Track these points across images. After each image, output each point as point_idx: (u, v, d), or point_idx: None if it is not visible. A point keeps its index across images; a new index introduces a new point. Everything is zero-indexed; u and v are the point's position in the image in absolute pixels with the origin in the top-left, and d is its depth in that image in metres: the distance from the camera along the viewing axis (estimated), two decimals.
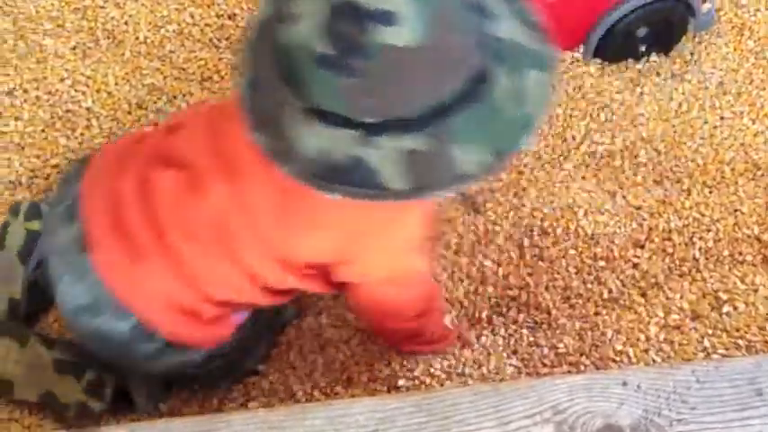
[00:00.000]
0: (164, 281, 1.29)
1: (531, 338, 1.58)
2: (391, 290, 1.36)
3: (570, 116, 1.82)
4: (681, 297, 1.57)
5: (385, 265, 1.31)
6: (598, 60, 1.89)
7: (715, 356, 1.47)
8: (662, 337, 1.51)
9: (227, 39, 1.94)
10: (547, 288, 1.65)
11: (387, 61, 0.99)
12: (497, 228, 1.71)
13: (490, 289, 1.64)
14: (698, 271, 1.64)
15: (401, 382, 1.48)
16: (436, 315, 1.50)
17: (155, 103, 1.85)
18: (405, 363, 1.51)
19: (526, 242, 1.69)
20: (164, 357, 1.36)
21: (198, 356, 1.39)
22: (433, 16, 1.00)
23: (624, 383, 1.12)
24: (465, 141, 1.05)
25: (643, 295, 1.60)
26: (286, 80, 1.05)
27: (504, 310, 1.63)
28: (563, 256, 1.68)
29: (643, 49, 1.90)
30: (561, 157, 1.80)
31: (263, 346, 1.57)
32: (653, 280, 1.63)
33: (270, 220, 1.24)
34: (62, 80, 1.86)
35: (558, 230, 1.70)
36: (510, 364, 1.56)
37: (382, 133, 1.04)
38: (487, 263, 1.67)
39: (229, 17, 1.96)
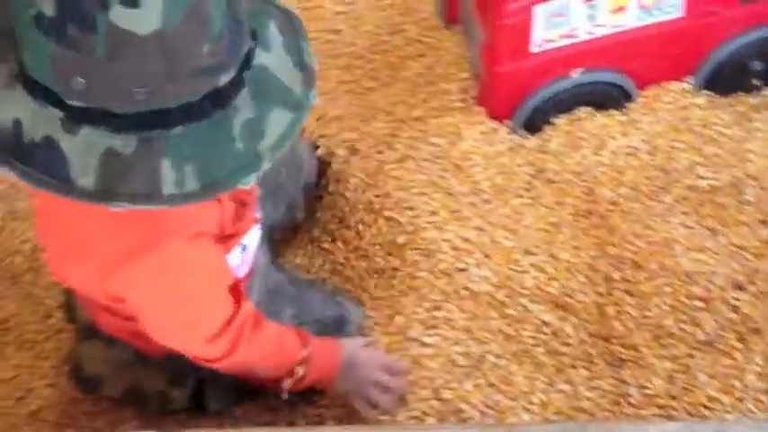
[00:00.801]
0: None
1: (616, 376, 1.52)
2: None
3: (673, 148, 1.74)
4: None
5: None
6: (708, 92, 1.81)
7: None
8: (760, 386, 1.43)
9: None
10: (637, 325, 1.57)
11: (110, 42, 0.89)
12: (582, 257, 1.65)
13: (574, 320, 1.58)
14: None
15: None
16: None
17: None
18: None
19: (616, 275, 1.62)
20: None
21: None
22: (181, 12, 0.90)
23: None
24: (179, 156, 0.95)
25: (741, 340, 1.51)
26: (8, 37, 0.96)
27: (589, 344, 1.57)
28: (656, 293, 1.59)
29: (757, 83, 1.82)
30: (661, 190, 1.72)
31: None
32: (753, 325, 1.53)
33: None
34: None
35: (653, 266, 1.62)
36: (591, 399, 1.50)
37: (87, 123, 0.94)
38: (574, 293, 1.61)
39: None
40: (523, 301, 1.58)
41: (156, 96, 0.93)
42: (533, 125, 1.76)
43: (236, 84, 0.98)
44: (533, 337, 1.56)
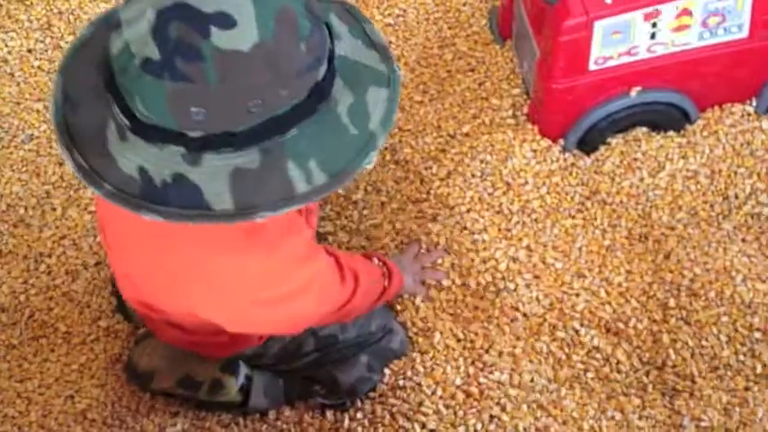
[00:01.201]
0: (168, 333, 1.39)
1: (670, 406, 1.46)
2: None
3: (735, 173, 1.68)
4: None
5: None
6: None
7: None
8: None
9: None
10: (692, 355, 1.51)
11: (219, 66, 0.93)
12: (636, 282, 1.59)
13: (627, 346, 1.52)
14: None
15: None
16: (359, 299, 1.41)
17: None
18: None
19: (672, 302, 1.56)
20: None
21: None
22: (272, 21, 0.95)
23: None
24: (300, 158, 1.00)
25: None
26: (111, 93, 0.99)
27: (642, 372, 1.51)
28: (714, 323, 1.53)
29: None
30: (720, 216, 1.65)
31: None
32: None
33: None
34: None
35: (711, 294, 1.56)
36: (642, 429, 1.45)
37: (208, 150, 0.97)
38: (627, 319, 1.55)
39: None
40: (575, 324, 1.53)
41: (269, 105, 0.97)
42: (587, 144, 1.70)
43: (331, 75, 1.02)
44: (584, 362, 1.51)
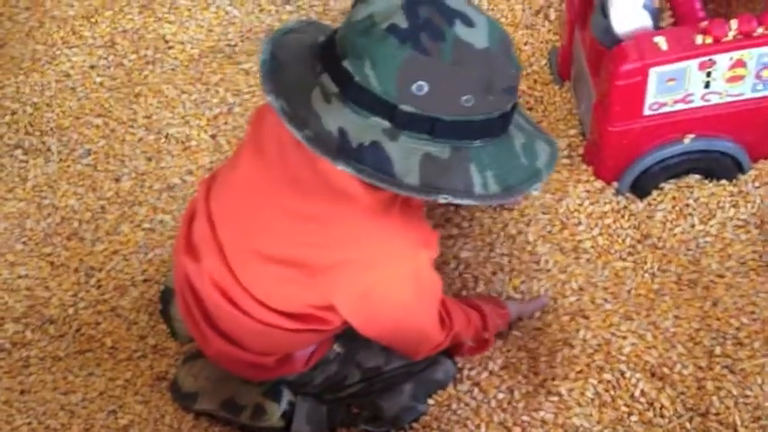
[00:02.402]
0: (217, 344, 1.43)
1: None
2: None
3: None
4: None
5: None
6: None
7: None
8: None
9: None
10: (736, 403, 1.51)
11: (455, 51, 1.10)
12: (684, 327, 1.59)
13: (671, 392, 1.52)
14: None
15: None
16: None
17: None
18: None
19: (718, 350, 1.56)
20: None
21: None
22: (499, 39, 1.14)
23: None
24: (481, 164, 1.15)
25: None
26: (324, 63, 1.15)
27: (685, 418, 1.50)
28: (758, 373, 1.52)
29: None
30: None
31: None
32: None
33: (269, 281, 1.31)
34: None
35: (756, 344, 1.55)
36: None
37: (409, 130, 1.12)
38: (673, 364, 1.54)
39: None
40: (621, 366, 1.53)
41: (476, 106, 1.13)
42: (640, 188, 1.71)
43: (513, 113, 1.19)
44: (628, 406, 1.51)
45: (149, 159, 1.86)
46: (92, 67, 2.00)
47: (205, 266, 1.37)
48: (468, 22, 1.11)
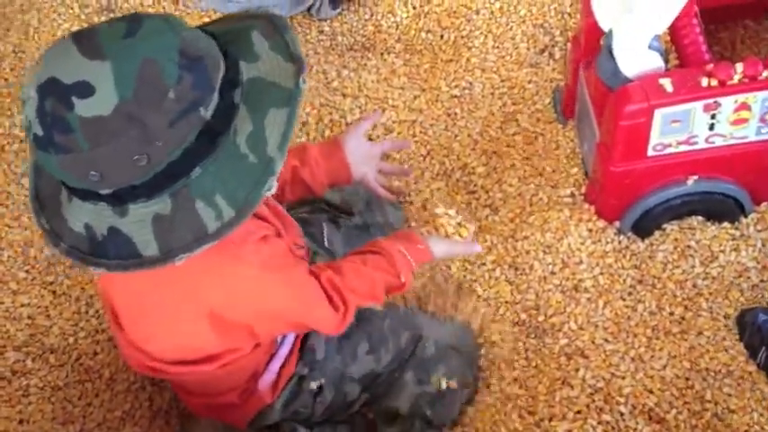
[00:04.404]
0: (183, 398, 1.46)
1: None
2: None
3: None
4: None
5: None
6: None
7: None
8: None
9: None
10: None
11: (91, 134, 0.99)
12: (676, 369, 1.59)
13: None
14: None
15: None
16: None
17: None
18: None
19: (708, 395, 1.56)
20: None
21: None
22: (133, 78, 0.99)
23: None
24: (207, 195, 1.04)
25: None
26: None
27: None
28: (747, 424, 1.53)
29: None
30: None
31: None
32: None
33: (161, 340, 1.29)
34: None
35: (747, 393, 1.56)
36: None
37: (127, 201, 1.03)
38: (671, 409, 1.54)
39: None
40: (621, 408, 1.53)
41: (154, 157, 1.01)
42: (642, 229, 1.71)
43: (227, 108, 1.05)
44: None
45: None
46: None
47: (124, 351, 1.38)
48: (86, 92, 0.98)
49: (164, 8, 2.12)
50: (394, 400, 1.52)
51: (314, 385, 1.47)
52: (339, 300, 1.34)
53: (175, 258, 1.05)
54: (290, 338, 1.44)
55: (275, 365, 1.43)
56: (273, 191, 1.07)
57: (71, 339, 1.70)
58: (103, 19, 2.07)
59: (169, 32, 1.02)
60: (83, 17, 2.12)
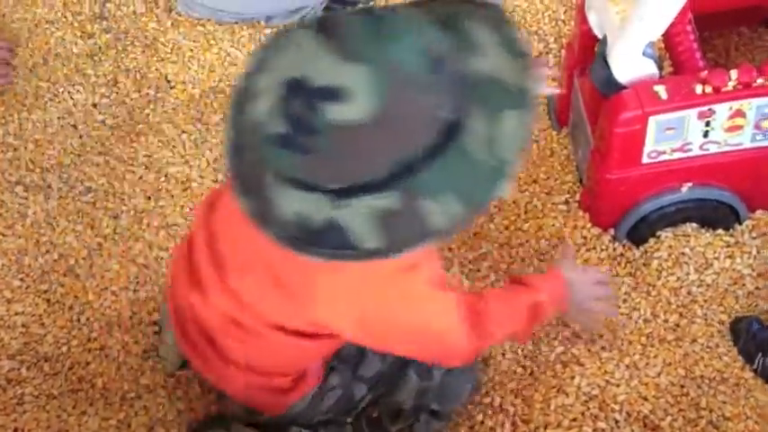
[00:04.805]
0: (231, 374, 1.40)
1: None
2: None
3: None
4: None
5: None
6: None
7: None
8: None
9: None
10: None
11: (338, 139, 0.97)
12: (671, 376, 1.59)
13: None
14: None
15: None
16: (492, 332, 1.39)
17: None
18: None
19: (703, 402, 1.56)
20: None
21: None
22: (390, 83, 0.96)
23: None
24: (435, 195, 1.01)
25: None
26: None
27: None
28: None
29: None
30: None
31: None
32: None
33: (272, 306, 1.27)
34: None
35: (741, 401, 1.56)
36: None
37: (351, 196, 1.00)
38: (666, 417, 1.54)
39: None
40: (616, 416, 1.53)
41: (397, 158, 0.99)
42: (637, 236, 1.72)
43: (460, 107, 1.01)
44: None
45: (149, 198, 1.87)
46: (94, 105, 2.01)
47: (211, 298, 1.34)
48: (341, 96, 0.96)
49: (156, 16, 2.12)
50: (398, 396, 1.52)
51: (334, 381, 1.47)
52: (477, 331, 1.34)
53: (397, 253, 1.03)
54: None
55: None
56: (506, 194, 1.07)
57: (64, 348, 1.70)
58: (96, 27, 2.10)
59: (416, 32, 1.00)
60: (75, 24, 2.11)
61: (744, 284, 1.68)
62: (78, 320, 1.73)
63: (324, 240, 1.03)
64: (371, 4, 1.88)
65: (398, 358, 1.49)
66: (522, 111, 1.03)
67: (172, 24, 2.10)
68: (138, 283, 1.77)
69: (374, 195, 1.00)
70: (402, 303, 1.24)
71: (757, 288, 1.68)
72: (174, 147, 1.92)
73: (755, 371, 1.58)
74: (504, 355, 1.63)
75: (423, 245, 1.02)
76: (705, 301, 1.67)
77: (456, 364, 1.42)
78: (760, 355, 1.57)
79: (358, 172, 0.99)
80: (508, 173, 1.02)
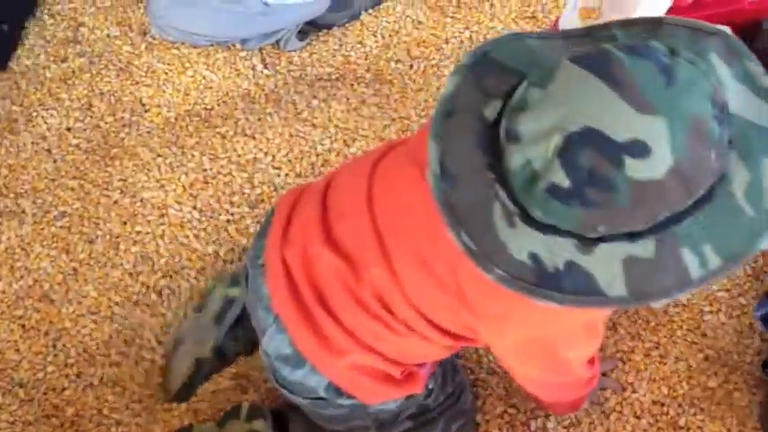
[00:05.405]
0: (345, 353, 1.31)
1: None
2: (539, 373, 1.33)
3: None
4: None
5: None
6: None
7: None
8: None
9: None
10: None
11: (632, 195, 0.93)
12: (654, 394, 1.59)
13: None
14: None
15: None
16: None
17: None
18: None
19: (681, 422, 1.57)
20: (354, 418, 1.41)
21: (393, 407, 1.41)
22: (685, 138, 0.92)
23: None
24: (694, 245, 0.97)
25: None
26: (499, 182, 0.99)
27: None
28: None
29: None
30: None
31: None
32: None
33: (431, 303, 1.24)
34: None
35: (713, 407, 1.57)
36: None
37: (605, 241, 0.97)
38: None
39: None
40: None
41: (675, 210, 0.96)
42: None
43: (726, 154, 0.97)
44: None
45: (124, 223, 1.85)
46: (68, 129, 2.00)
47: (368, 272, 1.26)
48: (641, 152, 0.91)
49: (130, 39, 2.11)
50: None
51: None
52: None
53: (650, 301, 0.99)
54: None
55: None
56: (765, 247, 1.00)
57: (40, 374, 1.68)
58: (70, 51, 2.09)
59: (704, 80, 0.96)
60: (49, 49, 2.11)
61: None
62: (54, 346, 1.71)
63: (564, 284, 0.98)
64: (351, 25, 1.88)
65: (444, 401, 1.48)
66: None
67: (146, 48, 2.10)
68: (114, 308, 1.75)
69: (629, 243, 0.97)
70: (564, 340, 1.25)
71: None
72: (149, 170, 1.91)
73: None
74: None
75: (678, 295, 0.98)
76: (683, 321, 1.68)
77: (560, 408, 1.49)
78: None
79: (630, 222, 0.96)
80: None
